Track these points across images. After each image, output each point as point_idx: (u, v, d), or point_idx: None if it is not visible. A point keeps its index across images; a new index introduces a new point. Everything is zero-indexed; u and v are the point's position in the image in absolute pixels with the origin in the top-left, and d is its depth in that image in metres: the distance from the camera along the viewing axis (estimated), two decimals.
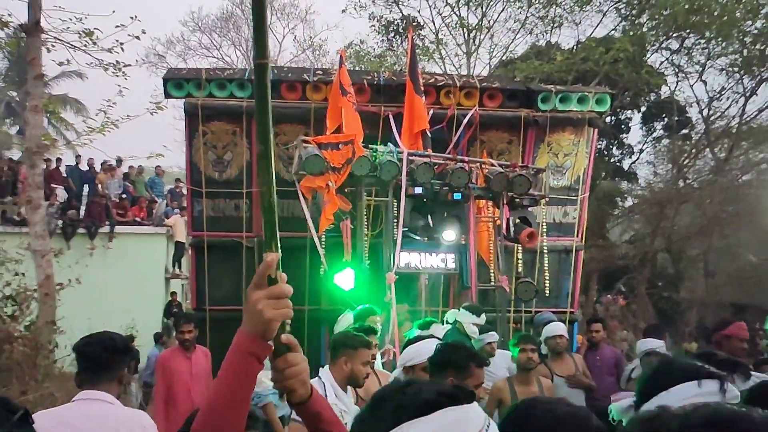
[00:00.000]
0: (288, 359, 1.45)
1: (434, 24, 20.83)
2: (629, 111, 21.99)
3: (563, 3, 19.23)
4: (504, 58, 20.80)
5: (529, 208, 7.35)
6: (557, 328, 6.16)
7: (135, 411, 3.31)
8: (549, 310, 7.37)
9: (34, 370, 7.82)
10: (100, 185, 17.34)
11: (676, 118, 21.02)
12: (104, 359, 2.91)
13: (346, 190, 6.98)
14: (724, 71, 19.60)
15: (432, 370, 3.07)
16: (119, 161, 18.29)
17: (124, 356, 3.05)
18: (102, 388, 2.88)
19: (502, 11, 20.01)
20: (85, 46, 9.87)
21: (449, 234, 6.95)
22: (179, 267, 17.36)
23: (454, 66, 20.39)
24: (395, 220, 6.87)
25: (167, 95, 8.44)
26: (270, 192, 1.40)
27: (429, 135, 7.64)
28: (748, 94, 19.55)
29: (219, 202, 8.45)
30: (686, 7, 16.99)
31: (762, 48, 18.30)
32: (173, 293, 16.63)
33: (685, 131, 21.93)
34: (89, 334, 3.04)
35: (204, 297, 8.44)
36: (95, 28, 9.82)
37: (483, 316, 5.81)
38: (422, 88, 7.81)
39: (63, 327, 8.73)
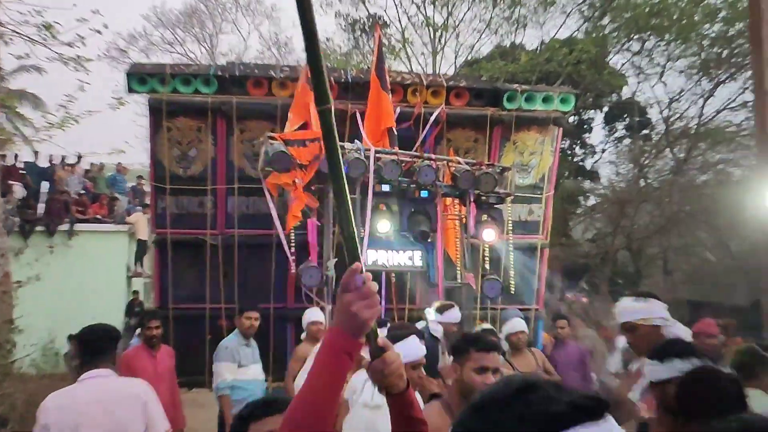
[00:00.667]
0: (386, 360, 1.58)
1: (400, 23, 20.91)
2: (591, 111, 22.33)
3: (528, 4, 19.46)
4: (469, 57, 20.96)
5: (495, 206, 7.39)
6: (518, 324, 6.23)
7: (134, 379, 3.93)
8: (515, 307, 7.43)
9: None
10: (59, 182, 16.97)
11: (637, 119, 21.44)
12: (102, 345, 3.49)
13: (312, 188, 6.94)
14: (683, 73, 20.06)
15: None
16: (79, 158, 17.94)
17: (116, 342, 3.64)
18: (100, 368, 3.42)
19: (467, 11, 20.18)
20: (45, 39, 9.63)
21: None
22: (141, 265, 17.07)
23: (420, 65, 20.49)
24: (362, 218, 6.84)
25: (130, 90, 8.27)
26: (349, 223, 1.49)
27: (395, 132, 7.64)
28: (706, 96, 20.02)
29: (183, 198, 8.30)
30: (647, 10, 17.35)
31: (719, 51, 18.75)
32: (135, 292, 16.37)
33: (645, 131, 22.36)
34: (88, 326, 3.58)
35: (167, 295, 8.30)
36: (55, 22, 9.61)
37: (454, 309, 5.79)
38: (389, 86, 7.80)
39: (22, 326, 8.53)
